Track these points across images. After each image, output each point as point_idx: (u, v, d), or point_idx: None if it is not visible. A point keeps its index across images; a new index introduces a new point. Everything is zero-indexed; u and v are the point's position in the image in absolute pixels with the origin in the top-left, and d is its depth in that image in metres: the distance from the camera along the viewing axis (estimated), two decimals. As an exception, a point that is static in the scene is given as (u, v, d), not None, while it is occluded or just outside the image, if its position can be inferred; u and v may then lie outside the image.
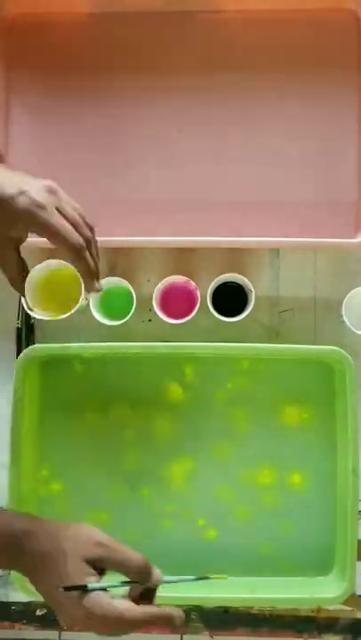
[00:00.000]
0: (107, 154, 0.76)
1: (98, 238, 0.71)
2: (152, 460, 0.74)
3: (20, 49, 0.77)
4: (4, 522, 0.53)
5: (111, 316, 0.74)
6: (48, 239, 0.56)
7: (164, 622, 0.51)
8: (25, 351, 0.72)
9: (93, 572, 0.51)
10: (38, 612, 0.76)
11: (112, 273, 0.75)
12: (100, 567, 0.52)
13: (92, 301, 0.73)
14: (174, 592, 0.71)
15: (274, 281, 0.75)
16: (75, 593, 0.50)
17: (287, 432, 0.74)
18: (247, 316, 0.72)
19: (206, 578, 0.57)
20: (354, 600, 0.73)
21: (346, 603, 0.72)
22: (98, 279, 0.61)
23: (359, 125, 0.75)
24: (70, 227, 0.56)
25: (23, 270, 0.61)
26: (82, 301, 0.65)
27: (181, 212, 0.75)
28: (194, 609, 0.74)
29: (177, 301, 0.75)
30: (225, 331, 0.74)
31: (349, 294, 0.72)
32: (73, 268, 0.62)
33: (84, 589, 0.50)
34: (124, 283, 0.73)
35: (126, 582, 0.52)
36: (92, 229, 0.59)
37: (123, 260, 0.77)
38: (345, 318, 0.72)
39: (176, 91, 0.76)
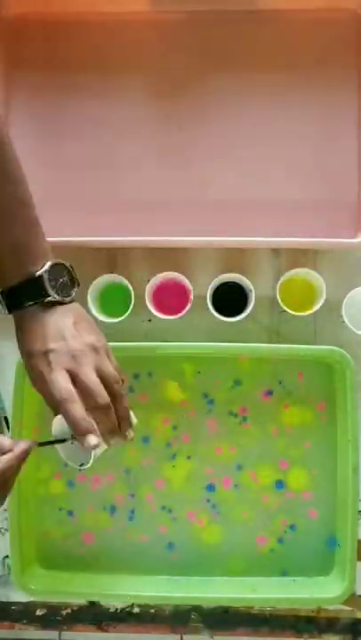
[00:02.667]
0: (107, 154, 0.76)
1: (98, 238, 0.72)
2: (152, 459, 0.74)
3: (20, 49, 0.77)
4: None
5: (109, 314, 0.74)
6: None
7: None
8: (25, 351, 0.72)
9: None
10: (38, 612, 0.76)
11: (112, 272, 0.75)
12: None
13: (91, 299, 0.73)
14: (174, 592, 0.71)
15: (274, 281, 0.75)
16: None
17: (287, 432, 0.74)
18: (247, 315, 0.72)
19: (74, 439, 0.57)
20: (354, 600, 0.73)
21: (346, 603, 0.72)
22: (129, 427, 0.60)
23: (359, 125, 0.75)
24: (69, 393, 0.55)
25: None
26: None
27: (181, 211, 0.75)
28: (194, 609, 0.74)
29: (169, 297, 0.74)
30: (225, 331, 0.74)
31: (349, 294, 0.72)
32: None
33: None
34: (123, 280, 0.73)
35: None
36: (122, 381, 0.60)
37: (123, 260, 0.77)
38: (345, 318, 0.72)
39: (176, 90, 0.76)
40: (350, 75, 0.75)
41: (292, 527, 0.74)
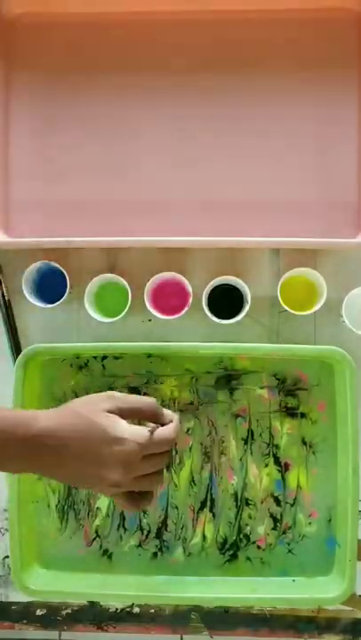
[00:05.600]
0: (107, 154, 0.76)
1: (98, 238, 0.72)
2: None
3: (20, 49, 0.77)
4: (18, 424, 0.52)
5: (106, 314, 0.74)
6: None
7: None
8: (25, 351, 0.72)
9: (120, 419, 0.54)
10: (38, 612, 0.76)
11: (111, 273, 0.75)
12: (120, 413, 0.55)
13: (87, 298, 0.73)
14: (174, 592, 0.71)
15: (274, 281, 0.75)
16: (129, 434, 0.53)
17: (287, 432, 0.74)
18: (247, 315, 0.72)
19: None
20: (354, 600, 0.73)
21: (346, 603, 0.72)
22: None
23: (359, 125, 0.75)
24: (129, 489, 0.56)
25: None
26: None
27: (181, 211, 0.75)
28: (194, 609, 0.74)
29: (169, 297, 0.74)
30: (225, 330, 0.74)
31: (349, 294, 0.72)
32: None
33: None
34: (120, 279, 0.73)
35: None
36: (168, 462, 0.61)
37: (122, 260, 0.77)
38: (345, 318, 0.72)
39: (176, 91, 0.76)
40: (350, 75, 0.75)
41: (291, 527, 0.74)
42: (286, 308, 0.72)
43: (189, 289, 0.72)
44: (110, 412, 0.55)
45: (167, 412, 0.59)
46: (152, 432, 0.55)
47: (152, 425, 0.57)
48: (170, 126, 0.76)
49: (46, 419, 0.52)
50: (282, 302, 0.72)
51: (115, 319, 0.72)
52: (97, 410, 0.54)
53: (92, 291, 0.74)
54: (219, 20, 0.76)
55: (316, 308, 0.72)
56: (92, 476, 0.53)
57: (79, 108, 0.77)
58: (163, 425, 0.58)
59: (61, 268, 0.73)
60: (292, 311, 0.72)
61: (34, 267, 0.74)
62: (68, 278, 0.73)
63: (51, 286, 0.74)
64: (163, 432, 0.56)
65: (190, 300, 0.72)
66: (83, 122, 0.77)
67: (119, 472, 0.53)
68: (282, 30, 0.75)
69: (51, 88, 0.77)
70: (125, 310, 0.72)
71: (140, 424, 0.58)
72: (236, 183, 0.75)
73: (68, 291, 0.73)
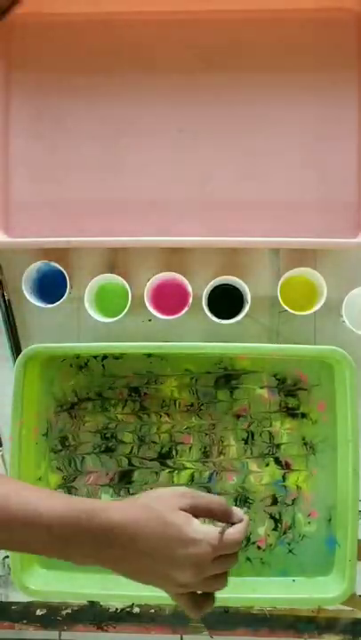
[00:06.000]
0: (107, 154, 0.76)
1: (98, 238, 0.72)
2: (152, 458, 0.74)
3: (20, 49, 0.77)
4: (89, 514, 0.50)
5: (107, 314, 0.74)
6: None
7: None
8: (25, 351, 0.72)
9: (193, 517, 0.52)
10: (38, 612, 0.76)
11: (111, 273, 0.75)
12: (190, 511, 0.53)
13: (87, 298, 0.73)
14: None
15: (274, 281, 0.75)
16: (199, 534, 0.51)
17: (287, 432, 0.74)
18: (247, 315, 0.72)
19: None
20: (354, 600, 0.73)
21: (346, 603, 0.72)
22: None
23: (359, 125, 0.75)
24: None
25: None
26: None
27: (181, 211, 0.75)
28: (194, 609, 0.74)
29: (169, 298, 0.74)
30: (225, 330, 0.74)
31: (349, 294, 0.72)
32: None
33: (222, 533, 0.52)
34: (120, 279, 0.73)
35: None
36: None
37: (123, 260, 0.77)
38: (345, 318, 0.72)
39: (176, 91, 0.76)
40: (350, 75, 0.75)
41: (291, 527, 0.74)
42: (286, 307, 0.72)
43: (189, 289, 0.72)
44: (183, 510, 0.52)
45: (236, 511, 0.56)
46: (222, 532, 0.52)
47: (221, 525, 0.54)
48: (170, 126, 0.76)
49: (118, 511, 0.51)
50: (282, 302, 0.72)
51: (115, 319, 0.73)
52: (171, 506, 0.52)
53: (92, 291, 0.74)
54: (219, 19, 0.75)
55: (317, 308, 0.72)
56: (161, 575, 0.51)
57: (79, 108, 0.77)
58: (233, 524, 0.55)
59: (61, 268, 0.73)
60: (293, 311, 0.72)
61: (34, 267, 0.74)
62: (68, 279, 0.73)
63: (51, 286, 0.74)
64: (234, 533, 0.53)
65: (190, 300, 0.72)
66: (83, 122, 0.76)
67: (191, 573, 0.51)
68: (282, 30, 0.75)
69: (51, 88, 0.77)
70: (125, 310, 0.72)
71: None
72: (237, 183, 0.75)
73: (68, 291, 0.73)
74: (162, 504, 0.52)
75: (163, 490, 0.54)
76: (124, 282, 0.73)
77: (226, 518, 0.54)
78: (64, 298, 0.73)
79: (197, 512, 0.53)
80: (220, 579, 0.53)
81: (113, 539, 0.50)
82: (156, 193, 0.76)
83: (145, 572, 0.52)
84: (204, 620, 0.75)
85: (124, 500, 0.54)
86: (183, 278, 0.73)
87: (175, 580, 0.51)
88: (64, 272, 0.73)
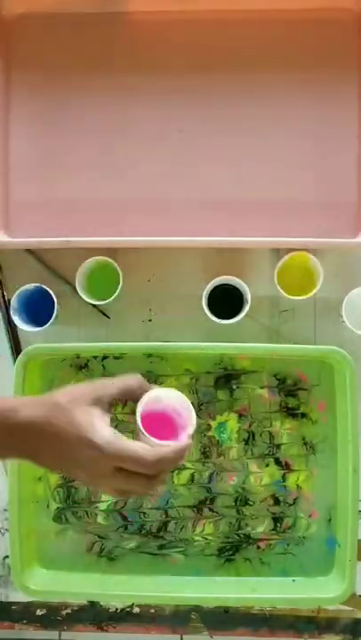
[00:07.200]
0: (107, 154, 0.76)
1: (98, 238, 0.72)
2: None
3: (20, 49, 0.77)
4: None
5: (98, 296, 0.74)
6: None
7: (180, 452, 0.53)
8: (25, 351, 0.72)
9: (104, 411, 0.53)
10: (38, 612, 0.76)
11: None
12: (106, 404, 0.54)
13: (79, 281, 0.73)
14: (174, 592, 0.71)
15: (274, 281, 0.75)
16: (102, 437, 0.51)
17: (287, 432, 0.74)
18: (247, 315, 0.72)
19: None
20: (354, 600, 0.73)
21: (346, 603, 0.72)
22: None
23: (359, 125, 0.75)
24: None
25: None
26: None
27: (181, 211, 0.75)
28: (194, 609, 0.75)
29: (158, 429, 0.56)
30: (225, 330, 0.74)
31: (349, 294, 0.72)
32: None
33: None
34: (110, 261, 0.73)
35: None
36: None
37: (122, 260, 0.77)
38: (345, 318, 0.72)
39: (176, 91, 0.76)
40: (350, 75, 0.75)
41: (292, 527, 0.74)
42: (283, 293, 0.71)
43: (183, 423, 0.57)
44: (95, 401, 0.53)
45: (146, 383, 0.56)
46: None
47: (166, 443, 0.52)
48: (170, 126, 0.76)
49: (27, 410, 0.52)
50: (279, 288, 0.71)
51: (107, 301, 0.72)
52: (81, 403, 0.52)
53: (82, 273, 0.74)
54: (219, 19, 0.75)
55: (314, 291, 0.71)
56: (69, 471, 0.54)
57: (79, 108, 0.77)
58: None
59: (49, 289, 0.73)
60: (290, 296, 0.71)
61: (23, 289, 0.73)
62: (56, 301, 0.72)
63: (40, 306, 0.74)
64: (142, 453, 0.51)
65: (185, 434, 0.56)
66: (82, 122, 0.76)
67: (85, 475, 0.52)
68: (282, 30, 0.75)
69: (51, 88, 0.77)
70: (117, 292, 0.72)
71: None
72: (237, 183, 0.75)
73: (55, 314, 0.72)
74: (73, 402, 0.53)
75: (79, 386, 0.55)
76: (115, 264, 0.72)
77: (141, 391, 0.56)
78: (52, 320, 0.72)
79: (109, 396, 0.54)
80: (130, 494, 0.54)
81: (25, 435, 0.51)
82: (156, 193, 0.76)
83: (63, 467, 0.53)
84: (205, 620, 0.75)
85: (42, 395, 0.55)
86: (173, 410, 0.59)
87: (79, 478, 0.53)
88: (52, 294, 0.73)
